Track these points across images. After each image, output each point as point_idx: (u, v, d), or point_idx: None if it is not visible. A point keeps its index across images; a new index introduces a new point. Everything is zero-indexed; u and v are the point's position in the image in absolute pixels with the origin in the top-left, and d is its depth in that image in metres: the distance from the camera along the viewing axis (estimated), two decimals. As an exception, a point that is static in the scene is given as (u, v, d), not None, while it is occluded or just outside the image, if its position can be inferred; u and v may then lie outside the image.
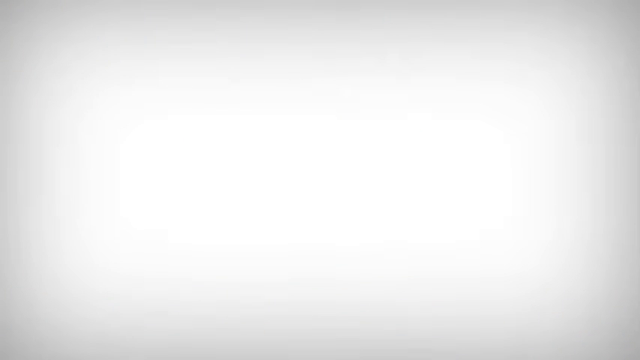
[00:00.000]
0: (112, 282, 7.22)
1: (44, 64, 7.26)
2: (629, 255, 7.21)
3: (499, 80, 7.18)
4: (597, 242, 7.19)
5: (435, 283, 6.89)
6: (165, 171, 7.28)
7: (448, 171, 7.11)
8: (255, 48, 7.20)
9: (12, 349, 7.18)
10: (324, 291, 7.14)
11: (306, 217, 7.11)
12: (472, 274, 6.96)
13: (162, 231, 7.22)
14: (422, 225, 7.10)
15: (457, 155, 7.16)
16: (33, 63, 7.26)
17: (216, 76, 7.25)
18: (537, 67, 7.21)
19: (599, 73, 7.24)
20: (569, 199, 7.25)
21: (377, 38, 7.19)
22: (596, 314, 7.08)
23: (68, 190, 7.29)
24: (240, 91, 7.24)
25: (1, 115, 7.30)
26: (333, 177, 7.16)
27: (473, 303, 6.96)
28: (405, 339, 7.00)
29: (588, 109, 7.25)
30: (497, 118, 7.19)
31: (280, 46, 7.10)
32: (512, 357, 7.03)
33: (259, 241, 7.12)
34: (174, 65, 7.24)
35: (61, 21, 7.25)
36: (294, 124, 7.18)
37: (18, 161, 7.29)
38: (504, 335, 7.06)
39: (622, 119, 7.25)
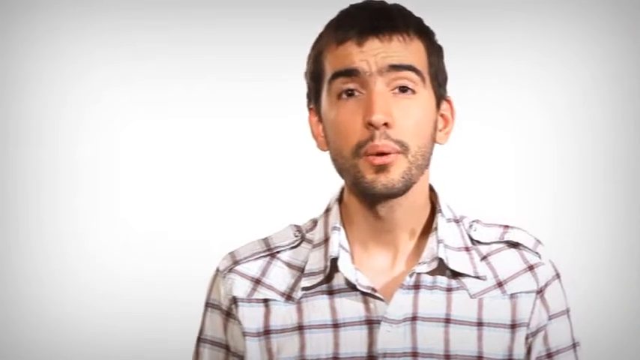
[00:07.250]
0: (112, 282, 7.22)
1: (44, 64, 7.27)
2: (629, 255, 7.19)
3: (499, 80, 7.18)
4: (597, 242, 7.18)
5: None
6: (166, 171, 7.29)
7: (447, 171, 7.10)
8: (255, 49, 7.21)
9: (11, 349, 7.18)
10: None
11: (304, 216, 7.08)
12: (472, 273, 6.93)
13: (163, 232, 7.22)
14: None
15: (456, 155, 7.15)
16: (33, 63, 7.27)
17: (216, 77, 7.26)
18: (537, 67, 7.21)
19: (598, 73, 7.23)
20: (570, 199, 7.24)
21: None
22: (596, 314, 7.06)
23: (68, 189, 7.29)
24: (240, 92, 7.25)
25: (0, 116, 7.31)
26: (333, 176, 7.15)
27: (473, 303, 6.94)
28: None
29: (588, 108, 7.25)
30: (497, 118, 7.18)
31: (280, 46, 7.11)
32: (512, 357, 7.00)
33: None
34: (175, 66, 7.25)
35: (61, 21, 7.26)
36: (294, 124, 7.17)
37: (17, 161, 7.29)
38: (504, 335, 7.03)
39: (622, 119, 7.24)
